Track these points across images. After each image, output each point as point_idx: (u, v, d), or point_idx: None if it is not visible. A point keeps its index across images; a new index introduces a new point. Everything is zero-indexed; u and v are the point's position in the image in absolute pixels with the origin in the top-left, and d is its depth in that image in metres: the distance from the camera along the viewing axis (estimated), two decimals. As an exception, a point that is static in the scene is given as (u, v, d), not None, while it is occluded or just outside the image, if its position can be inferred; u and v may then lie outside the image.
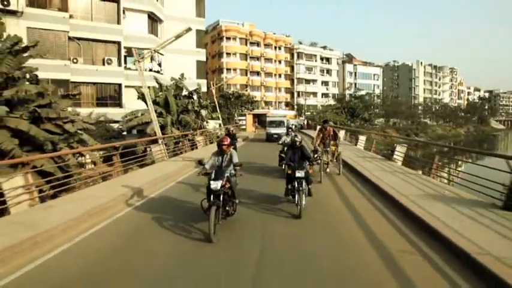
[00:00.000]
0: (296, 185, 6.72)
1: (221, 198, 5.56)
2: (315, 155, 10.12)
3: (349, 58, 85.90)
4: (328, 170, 11.30)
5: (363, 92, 62.79)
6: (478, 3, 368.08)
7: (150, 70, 26.33)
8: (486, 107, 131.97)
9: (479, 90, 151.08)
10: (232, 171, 6.18)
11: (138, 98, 21.28)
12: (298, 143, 7.48)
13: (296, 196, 6.65)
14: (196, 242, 5.36)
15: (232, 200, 6.03)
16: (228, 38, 59.31)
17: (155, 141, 14.87)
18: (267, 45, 64.88)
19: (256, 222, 6.42)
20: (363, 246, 5.27)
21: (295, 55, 69.84)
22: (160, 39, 27.95)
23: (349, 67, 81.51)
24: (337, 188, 9.68)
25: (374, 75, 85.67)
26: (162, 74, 27.44)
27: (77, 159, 12.99)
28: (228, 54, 59.35)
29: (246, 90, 53.66)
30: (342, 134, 22.50)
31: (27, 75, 13.33)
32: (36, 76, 13.87)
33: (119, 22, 24.63)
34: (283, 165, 10.67)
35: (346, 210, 7.40)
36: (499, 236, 5.00)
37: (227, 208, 5.88)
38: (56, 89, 14.38)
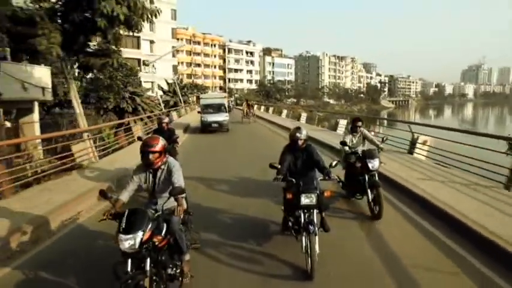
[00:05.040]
0: (302, 219, 4.10)
1: (147, 265, 3.15)
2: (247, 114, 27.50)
3: (268, 51, 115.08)
4: (250, 120, 25.55)
5: (276, 79, 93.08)
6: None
7: (153, 73, 51.92)
8: (386, 89, 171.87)
9: (380, 75, 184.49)
10: (173, 204, 3.55)
11: (158, 88, 47.20)
12: (301, 141, 4.64)
13: (303, 239, 4.00)
14: None
15: (174, 262, 3.66)
16: (177, 39, 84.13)
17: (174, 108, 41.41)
18: (205, 44, 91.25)
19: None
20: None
21: (227, 50, 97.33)
22: (154, 53, 53.58)
23: (268, 59, 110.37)
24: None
25: (288, 65, 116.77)
26: (155, 73, 52.95)
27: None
28: (177, 51, 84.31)
29: (191, 78, 79.33)
30: (273, 110, 49.51)
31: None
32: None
33: (139, 47, 49.70)
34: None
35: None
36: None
37: (168, 271, 3.52)
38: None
